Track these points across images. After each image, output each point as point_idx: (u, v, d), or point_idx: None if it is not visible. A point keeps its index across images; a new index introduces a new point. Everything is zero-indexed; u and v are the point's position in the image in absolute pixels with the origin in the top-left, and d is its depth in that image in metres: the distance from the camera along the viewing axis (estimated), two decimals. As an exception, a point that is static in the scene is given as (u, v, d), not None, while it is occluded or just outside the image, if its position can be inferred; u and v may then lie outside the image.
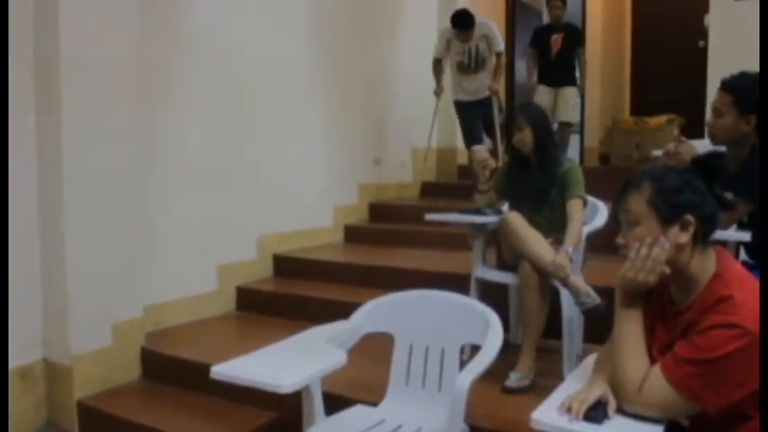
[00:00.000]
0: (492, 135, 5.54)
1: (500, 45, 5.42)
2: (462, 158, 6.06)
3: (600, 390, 1.47)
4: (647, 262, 1.43)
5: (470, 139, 5.44)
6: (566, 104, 5.93)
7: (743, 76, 2.45)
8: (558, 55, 6.00)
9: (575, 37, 6.07)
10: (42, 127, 3.04)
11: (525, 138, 2.99)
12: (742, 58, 4.77)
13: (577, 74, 6.06)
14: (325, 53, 5.01)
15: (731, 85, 2.44)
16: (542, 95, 5.98)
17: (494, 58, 5.39)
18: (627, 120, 7.17)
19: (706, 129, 2.54)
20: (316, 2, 4.91)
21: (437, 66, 5.53)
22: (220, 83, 4.04)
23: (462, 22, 5.22)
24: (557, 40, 5.99)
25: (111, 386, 3.20)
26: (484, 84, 5.42)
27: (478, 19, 5.25)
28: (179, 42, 3.80)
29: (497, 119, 5.45)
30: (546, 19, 6.96)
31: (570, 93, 6.00)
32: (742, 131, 2.40)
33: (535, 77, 6.13)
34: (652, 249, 1.43)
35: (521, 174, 3.09)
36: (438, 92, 5.61)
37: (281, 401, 1.89)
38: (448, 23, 5.32)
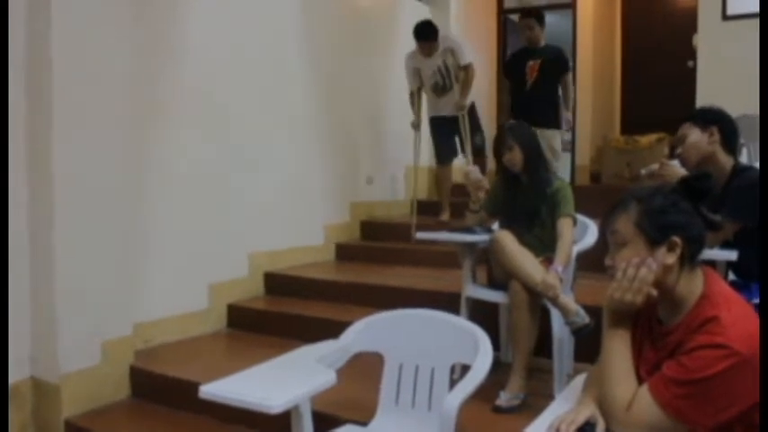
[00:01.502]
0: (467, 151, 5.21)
1: (465, 57, 5.07)
2: (455, 176, 5.57)
3: (588, 410, 1.47)
4: (634, 283, 1.44)
5: (441, 155, 5.34)
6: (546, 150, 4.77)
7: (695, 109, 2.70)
8: (535, 86, 5.13)
9: (556, 63, 5.13)
10: (33, 142, 3.03)
11: (515, 157, 3.01)
12: (729, 76, 4.87)
13: (563, 111, 5.26)
14: (318, 70, 5.03)
15: (688, 115, 2.63)
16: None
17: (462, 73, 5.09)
18: (617, 138, 7.21)
19: (678, 160, 2.61)
20: (310, 18, 4.94)
21: (412, 98, 5.29)
22: (213, 98, 4.05)
23: (424, 33, 4.98)
24: (533, 67, 5.13)
25: (99, 405, 3.18)
26: (458, 97, 5.13)
27: (442, 33, 5.09)
28: (172, 56, 3.81)
29: (468, 136, 5.12)
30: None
31: (549, 137, 5.03)
32: (709, 150, 2.52)
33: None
34: (639, 270, 1.44)
35: (511, 193, 3.11)
36: (415, 124, 5.28)
37: (271, 421, 1.88)
38: (409, 51, 5.17)
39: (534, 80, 5.14)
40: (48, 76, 2.96)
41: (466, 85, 5.12)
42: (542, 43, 5.21)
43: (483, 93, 7.37)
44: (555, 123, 5.18)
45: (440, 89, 5.19)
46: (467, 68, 5.10)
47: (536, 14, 5.25)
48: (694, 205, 1.50)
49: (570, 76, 5.25)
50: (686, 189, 1.52)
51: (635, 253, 1.45)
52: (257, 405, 1.72)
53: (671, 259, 1.44)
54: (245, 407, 1.76)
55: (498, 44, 7.93)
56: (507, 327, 3.13)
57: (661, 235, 1.45)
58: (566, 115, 5.24)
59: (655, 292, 1.44)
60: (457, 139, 5.24)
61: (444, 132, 5.29)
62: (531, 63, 5.16)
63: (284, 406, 1.73)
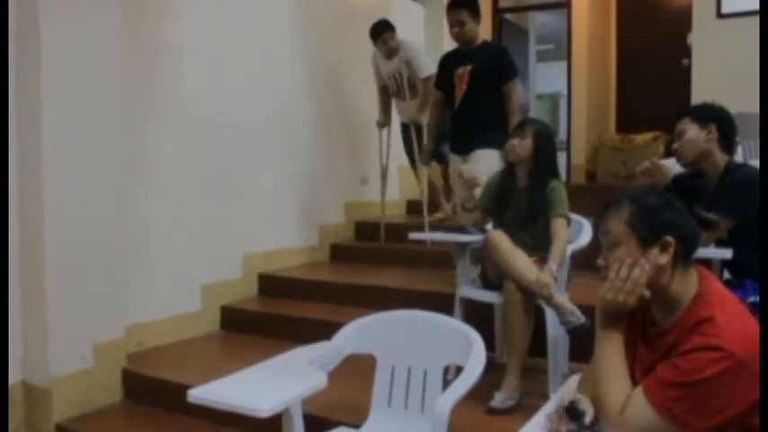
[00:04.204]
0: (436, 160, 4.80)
1: (423, 70, 4.57)
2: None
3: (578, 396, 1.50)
4: (627, 283, 1.42)
5: (409, 158, 5.18)
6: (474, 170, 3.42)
7: (695, 105, 2.69)
8: (465, 103, 3.80)
9: (492, 68, 3.72)
10: (23, 142, 3.00)
11: (524, 144, 2.95)
12: (724, 74, 4.86)
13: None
14: (313, 70, 5.02)
15: (686, 110, 2.63)
16: (453, 174, 4.03)
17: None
18: (613, 137, 7.22)
19: (675, 157, 2.60)
20: (305, 18, 4.93)
21: (379, 95, 5.09)
22: (207, 99, 4.03)
23: (373, 31, 4.74)
24: (461, 76, 3.80)
25: (91, 408, 3.15)
26: (414, 110, 4.80)
27: (402, 39, 4.83)
28: (166, 56, 3.79)
29: (417, 148, 4.76)
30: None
31: (483, 158, 3.67)
32: (706, 147, 2.51)
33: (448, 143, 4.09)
34: (632, 271, 1.42)
35: (507, 191, 3.08)
36: (379, 122, 5.06)
37: (263, 424, 1.86)
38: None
39: (464, 94, 3.80)
40: (36, 77, 2.92)
41: (424, 100, 4.63)
42: (477, 41, 3.86)
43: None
44: (493, 143, 3.65)
45: (393, 93, 5.01)
46: (426, 81, 4.63)
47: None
48: (688, 204, 1.47)
49: (515, 85, 3.81)
50: (680, 187, 1.50)
51: (627, 253, 1.43)
52: (246, 409, 1.70)
53: (664, 259, 1.42)
54: (234, 411, 1.74)
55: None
56: (502, 327, 3.11)
57: (653, 235, 1.43)
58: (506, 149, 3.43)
59: (647, 293, 1.42)
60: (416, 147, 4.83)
61: (406, 138, 5.11)
62: (459, 70, 3.81)
63: (274, 409, 1.71)
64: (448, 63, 3.96)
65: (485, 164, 3.59)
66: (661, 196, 1.46)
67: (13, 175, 2.99)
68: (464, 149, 3.83)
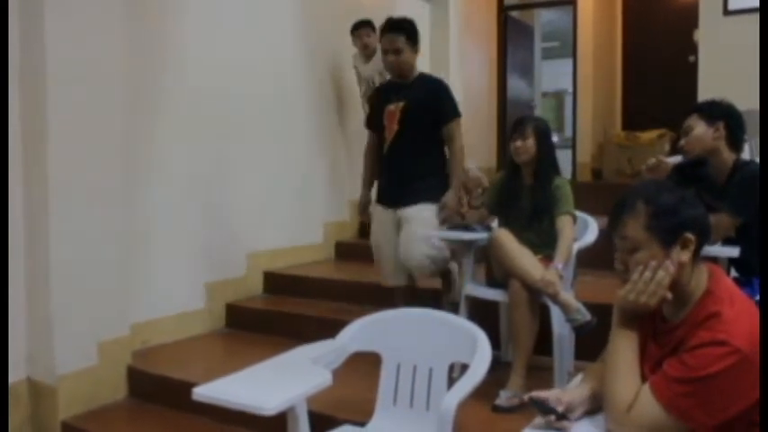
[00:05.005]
0: None
1: None
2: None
3: (573, 394, 1.49)
4: (650, 285, 1.40)
5: None
6: (410, 240, 3.20)
7: (703, 102, 2.68)
8: (395, 145, 3.29)
9: (428, 106, 3.23)
10: (28, 141, 3.00)
11: (527, 146, 2.95)
12: (730, 72, 4.83)
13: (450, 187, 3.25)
14: (316, 68, 5.01)
15: (694, 106, 2.63)
16: (377, 229, 3.48)
17: None
18: (618, 135, 7.20)
19: (682, 154, 2.59)
20: (308, 16, 4.92)
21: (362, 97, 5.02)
22: (209, 98, 4.02)
23: (353, 24, 4.77)
24: (392, 114, 3.28)
25: (96, 406, 3.16)
26: None
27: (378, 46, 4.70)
28: (167, 57, 3.79)
29: None
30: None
31: (419, 220, 3.20)
32: (713, 144, 2.50)
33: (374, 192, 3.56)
34: (656, 273, 1.40)
35: (513, 190, 3.07)
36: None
37: (268, 422, 1.86)
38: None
39: (394, 136, 3.28)
40: (42, 78, 2.93)
41: None
42: (413, 74, 3.34)
43: (481, 97, 7.34)
44: (427, 197, 3.23)
45: (366, 98, 4.86)
46: None
47: (394, 25, 3.32)
48: (697, 191, 1.46)
49: (459, 126, 3.28)
50: (685, 176, 1.49)
51: (650, 256, 1.41)
52: (251, 407, 1.70)
53: (685, 256, 1.41)
54: (239, 409, 1.74)
55: (499, 43, 7.90)
56: (507, 325, 3.10)
57: (674, 235, 1.41)
58: (442, 202, 3.21)
59: (670, 296, 1.41)
60: None
61: None
62: (390, 108, 3.29)
63: (279, 407, 1.70)
64: (379, 99, 3.43)
65: (421, 224, 3.18)
66: (673, 192, 1.45)
67: (18, 174, 2.99)
68: (393, 202, 3.34)
